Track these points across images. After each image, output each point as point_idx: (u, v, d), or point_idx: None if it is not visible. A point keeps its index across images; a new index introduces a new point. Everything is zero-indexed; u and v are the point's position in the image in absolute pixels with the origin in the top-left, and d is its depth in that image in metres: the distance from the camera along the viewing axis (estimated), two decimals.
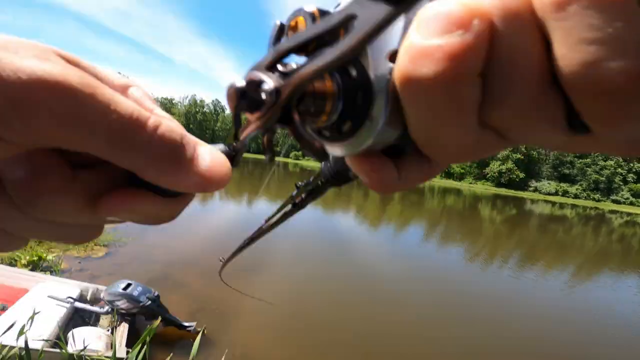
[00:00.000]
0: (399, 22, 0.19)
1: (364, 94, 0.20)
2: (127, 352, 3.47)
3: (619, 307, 7.97)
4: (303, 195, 0.46)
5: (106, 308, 4.32)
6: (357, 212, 21.30)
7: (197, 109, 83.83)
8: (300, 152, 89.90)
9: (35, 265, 5.87)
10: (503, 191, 57.61)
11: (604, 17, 0.13)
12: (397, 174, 0.24)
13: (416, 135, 0.20)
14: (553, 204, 45.23)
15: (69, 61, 0.19)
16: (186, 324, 4.75)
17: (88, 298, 4.73)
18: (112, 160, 0.20)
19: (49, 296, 4.16)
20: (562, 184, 58.64)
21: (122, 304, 4.17)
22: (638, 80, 0.14)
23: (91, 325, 4.28)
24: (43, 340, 3.23)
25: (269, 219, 0.53)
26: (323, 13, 0.21)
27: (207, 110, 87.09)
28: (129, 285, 4.35)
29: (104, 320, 4.49)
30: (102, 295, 4.48)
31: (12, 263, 5.76)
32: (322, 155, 0.25)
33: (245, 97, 0.21)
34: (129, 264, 7.29)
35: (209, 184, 0.25)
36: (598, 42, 0.14)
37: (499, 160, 62.84)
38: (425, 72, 0.16)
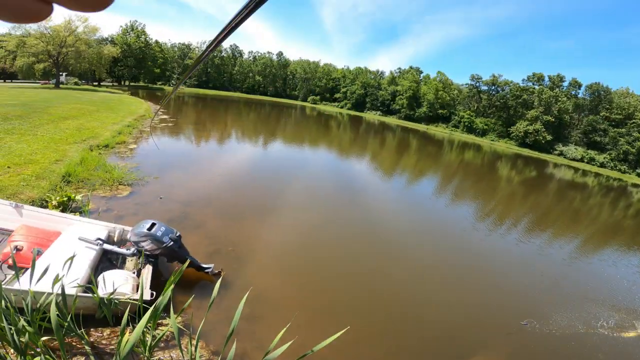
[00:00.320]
0: None
1: None
2: (152, 295, 3.63)
3: (614, 283, 8.02)
4: None
5: (132, 250, 4.41)
6: (372, 158, 21.10)
7: (216, 54, 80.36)
8: (317, 97, 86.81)
9: (65, 206, 5.95)
10: (526, 151, 55.44)
11: None
12: None
13: None
14: (576, 170, 43.68)
15: None
16: (205, 265, 4.96)
17: (115, 239, 4.85)
18: None
19: (79, 238, 4.28)
20: (589, 151, 55.83)
21: (147, 244, 4.26)
22: None
23: (118, 267, 4.45)
24: (77, 286, 3.35)
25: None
26: None
27: (225, 55, 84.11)
28: (153, 225, 4.41)
29: (130, 263, 4.62)
30: (128, 236, 4.57)
31: (44, 205, 5.85)
32: None
33: None
34: (151, 204, 7.47)
35: None
36: None
37: (527, 120, 59.40)
38: None
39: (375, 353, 4.32)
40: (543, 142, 58.26)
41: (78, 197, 6.39)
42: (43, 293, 2.94)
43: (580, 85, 60.30)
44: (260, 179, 11.51)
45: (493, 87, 68.66)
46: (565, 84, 61.07)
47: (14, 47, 36.28)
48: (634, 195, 29.74)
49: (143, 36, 59.71)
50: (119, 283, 3.65)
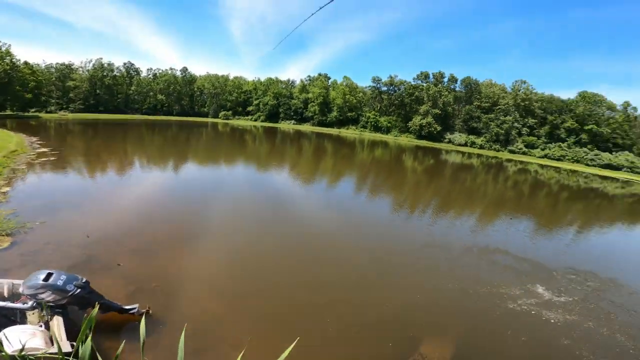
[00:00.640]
0: None
1: None
2: (72, 346, 3.21)
3: (512, 249, 9.78)
4: None
5: (30, 303, 3.82)
6: (291, 167, 21.43)
7: (106, 73, 71.77)
8: (229, 112, 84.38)
9: None
10: (424, 143, 63.53)
11: None
12: None
13: None
14: (463, 153, 51.62)
15: None
16: (128, 307, 4.53)
17: (5, 295, 4.10)
18: None
19: None
20: (470, 136, 66.69)
21: (48, 296, 3.70)
22: None
23: (19, 323, 3.79)
24: None
25: None
26: None
27: (118, 74, 75.23)
28: (49, 275, 3.83)
29: (32, 316, 3.96)
30: (20, 289, 3.90)
31: None
32: None
33: None
34: (41, 251, 6.38)
35: None
36: None
37: (421, 114, 68.05)
38: None
39: (330, 354, 4.46)
40: (435, 132, 67.41)
41: None
42: None
43: (456, 80, 71.56)
44: (175, 207, 10.66)
45: (391, 87, 76.51)
46: (446, 79, 71.73)
47: None
48: (509, 169, 36.54)
49: (8, 57, 49.88)
50: (25, 338, 3.14)
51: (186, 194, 12.12)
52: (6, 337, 3.18)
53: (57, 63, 69.79)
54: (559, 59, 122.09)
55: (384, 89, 77.46)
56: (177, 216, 9.52)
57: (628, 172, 53.02)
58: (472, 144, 65.21)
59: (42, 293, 3.68)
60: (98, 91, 70.50)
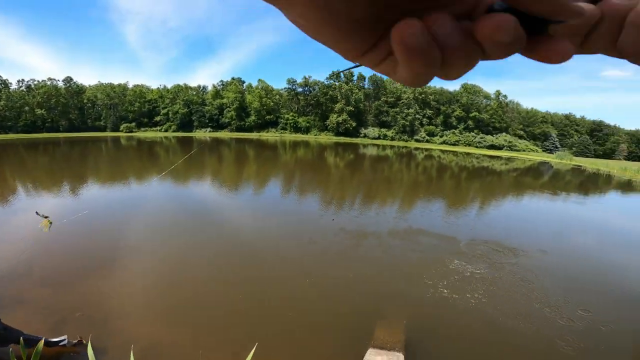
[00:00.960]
0: None
1: None
2: None
3: (432, 229, 10.85)
4: None
5: None
6: (214, 176, 20.25)
7: None
8: (132, 124, 75.70)
9: None
10: (342, 139, 66.85)
11: None
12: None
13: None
14: (378, 146, 55.91)
15: None
16: (55, 339, 4.24)
17: None
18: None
19: None
20: (382, 129, 72.53)
21: None
22: None
23: None
24: None
25: None
26: None
27: None
28: None
29: None
30: None
31: None
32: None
33: None
34: None
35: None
36: None
37: (336, 112, 71.41)
38: None
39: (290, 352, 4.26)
40: (351, 129, 71.50)
41: None
42: None
43: (364, 78, 76.91)
44: (83, 230, 9.08)
45: (306, 88, 78.30)
46: (355, 78, 76.49)
47: None
48: (418, 157, 40.80)
49: None
50: None
51: (94, 215, 10.39)
52: None
53: None
54: None
55: (300, 90, 78.90)
56: (86, 240, 8.15)
57: (508, 150, 64.19)
58: (385, 137, 71.07)
59: None
60: None
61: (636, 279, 7.72)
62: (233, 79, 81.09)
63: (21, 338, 3.66)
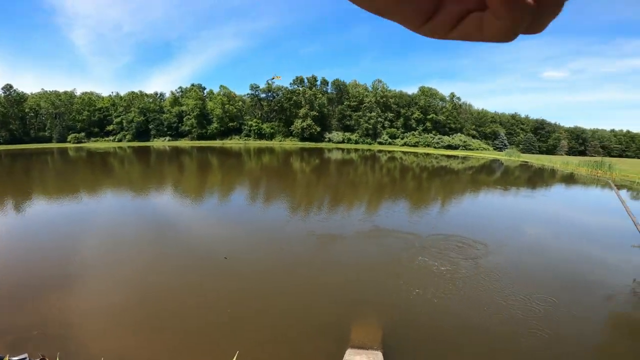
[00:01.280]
0: None
1: None
2: None
3: (398, 229, 11.17)
4: None
5: None
6: (175, 186, 19.36)
7: None
8: (81, 134, 70.37)
9: None
10: (307, 144, 67.11)
11: None
12: None
13: None
14: (343, 150, 56.87)
15: None
16: (15, 358, 4.02)
17: None
18: None
19: None
20: (346, 133, 73.88)
21: None
22: None
23: None
24: None
25: None
26: None
27: None
28: None
29: None
30: None
31: None
32: None
33: None
34: None
35: None
36: None
37: (300, 118, 71.62)
38: None
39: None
40: (316, 133, 72.08)
41: None
42: None
43: (327, 83, 77.97)
44: (36, 247, 8.22)
45: (270, 94, 77.74)
46: (318, 83, 77.26)
47: None
48: (381, 159, 42.02)
49: None
50: None
51: (48, 234, 9.46)
52: None
53: None
54: (401, 58, 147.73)
55: (263, 95, 78.24)
56: (35, 257, 7.39)
57: (463, 149, 68.06)
58: (349, 140, 72.45)
59: None
60: None
61: (594, 265, 8.49)
62: (193, 85, 78.51)
63: None
